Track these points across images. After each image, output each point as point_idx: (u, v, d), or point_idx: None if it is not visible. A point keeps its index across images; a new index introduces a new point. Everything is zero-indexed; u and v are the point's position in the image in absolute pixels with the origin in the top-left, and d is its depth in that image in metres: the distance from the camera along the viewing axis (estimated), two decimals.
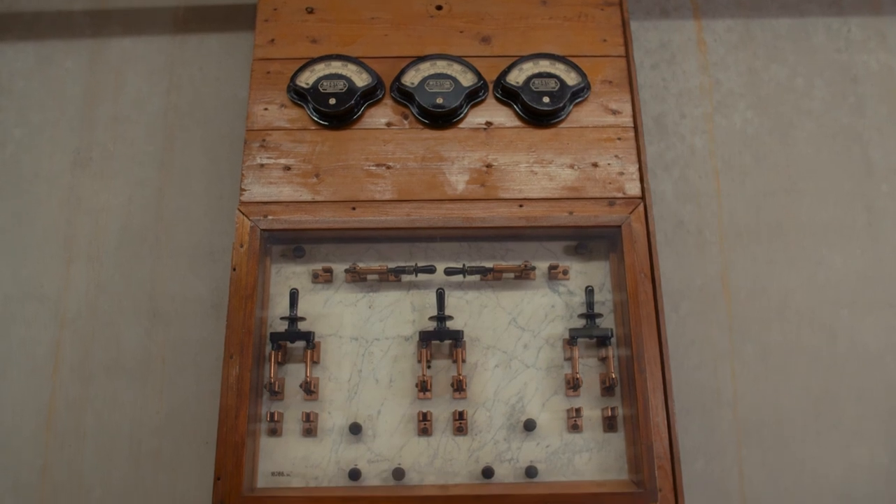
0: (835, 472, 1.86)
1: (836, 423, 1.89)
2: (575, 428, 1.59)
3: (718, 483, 1.84)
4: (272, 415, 1.59)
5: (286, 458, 1.58)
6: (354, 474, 1.55)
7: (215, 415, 1.56)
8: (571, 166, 1.74)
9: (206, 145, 2.06)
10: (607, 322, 1.66)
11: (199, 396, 1.88)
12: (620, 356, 1.62)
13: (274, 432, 1.59)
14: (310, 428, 1.59)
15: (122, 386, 1.91)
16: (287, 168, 1.73)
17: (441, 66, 1.76)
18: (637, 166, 1.75)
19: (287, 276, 1.70)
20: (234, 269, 1.64)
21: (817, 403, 1.90)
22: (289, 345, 1.64)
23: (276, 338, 1.61)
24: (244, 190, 1.72)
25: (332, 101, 1.72)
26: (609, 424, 1.60)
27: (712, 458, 1.86)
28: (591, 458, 1.58)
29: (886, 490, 1.85)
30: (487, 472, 1.55)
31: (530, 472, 1.55)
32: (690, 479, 1.77)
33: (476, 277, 1.68)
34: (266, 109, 1.78)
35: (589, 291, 1.65)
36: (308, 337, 1.61)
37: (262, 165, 1.74)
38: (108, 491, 1.86)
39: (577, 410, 1.59)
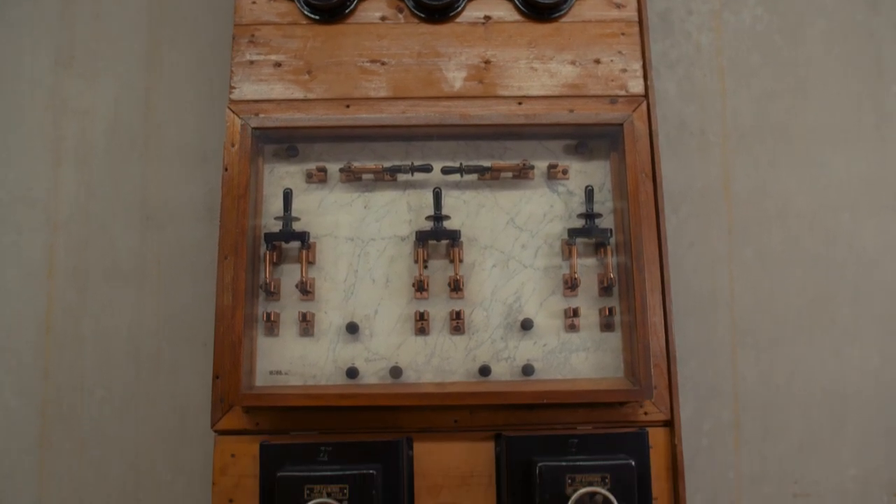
0: (826, 372, 1.89)
1: (831, 325, 1.90)
2: (572, 328, 1.59)
3: (712, 383, 1.87)
4: (268, 315, 1.58)
5: (284, 357, 1.58)
6: (352, 373, 1.56)
7: (212, 317, 1.55)
8: (573, 63, 1.68)
9: (193, 42, 1.98)
10: (606, 222, 1.63)
11: (195, 299, 1.88)
12: (619, 257, 1.61)
13: (271, 332, 1.59)
14: (307, 328, 1.59)
15: (119, 290, 1.91)
16: (278, 65, 1.67)
17: None
18: (641, 63, 1.69)
19: (280, 177, 1.66)
20: (226, 170, 1.60)
21: (813, 306, 1.91)
22: (284, 245, 1.62)
23: (271, 238, 1.59)
24: (234, 88, 1.66)
25: None
26: (606, 324, 1.60)
27: (707, 358, 1.88)
28: (587, 357, 1.59)
29: (875, 390, 1.89)
30: (484, 371, 1.56)
31: (527, 370, 1.56)
32: (685, 378, 1.79)
33: (473, 177, 1.65)
34: (254, 3, 1.70)
35: (589, 191, 1.62)
36: (303, 237, 1.59)
37: (251, 62, 1.67)
38: (109, 392, 1.88)
39: (575, 310, 1.59)
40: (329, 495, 1.40)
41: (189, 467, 1.83)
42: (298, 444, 1.49)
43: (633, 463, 1.44)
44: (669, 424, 1.56)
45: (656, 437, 1.55)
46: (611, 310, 1.59)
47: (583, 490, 1.40)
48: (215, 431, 1.56)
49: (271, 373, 1.58)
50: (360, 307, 1.60)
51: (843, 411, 1.88)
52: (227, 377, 1.52)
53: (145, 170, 1.95)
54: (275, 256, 1.60)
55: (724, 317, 1.90)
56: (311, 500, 1.39)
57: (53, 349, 1.89)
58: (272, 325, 1.59)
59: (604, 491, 1.40)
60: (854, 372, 1.89)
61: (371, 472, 1.42)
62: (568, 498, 1.40)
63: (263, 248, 1.60)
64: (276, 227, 1.62)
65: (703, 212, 1.94)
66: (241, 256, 1.53)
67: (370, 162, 1.65)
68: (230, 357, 1.51)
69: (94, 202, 1.94)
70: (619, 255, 1.61)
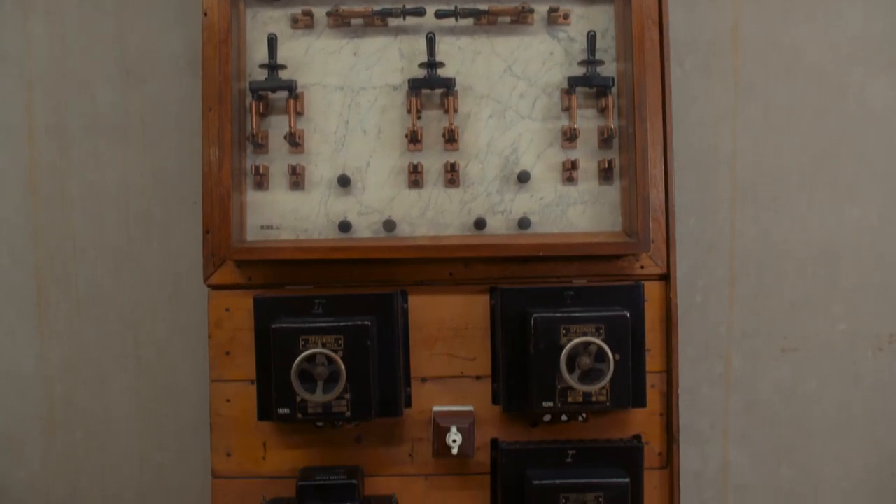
0: (824, 230, 1.87)
1: (833, 183, 1.87)
2: (570, 180, 1.55)
3: (710, 239, 1.86)
4: (257, 168, 1.53)
5: (274, 211, 1.55)
6: (345, 226, 1.53)
7: (201, 174, 1.51)
8: None
9: None
10: (609, 70, 1.55)
11: (182, 156, 1.83)
12: (621, 107, 1.54)
13: (260, 186, 1.55)
14: (297, 181, 1.54)
15: (104, 148, 1.85)
16: None
17: None
18: None
19: (264, 22, 1.56)
20: (206, 14, 1.51)
21: (816, 164, 1.86)
22: (270, 95, 1.54)
23: (256, 87, 1.51)
24: None
25: None
26: (605, 177, 1.56)
27: (706, 215, 1.85)
28: (585, 210, 1.55)
29: (871, 248, 1.88)
30: (479, 224, 1.53)
31: (523, 223, 1.54)
32: (683, 234, 1.77)
33: (469, 21, 1.55)
34: None
35: (591, 37, 1.53)
36: (290, 86, 1.51)
37: None
38: (101, 252, 1.86)
39: (573, 162, 1.54)
40: (324, 346, 1.41)
41: (186, 323, 1.84)
42: (292, 298, 1.49)
43: (628, 315, 1.44)
44: (665, 278, 1.56)
45: (652, 290, 1.55)
46: (610, 162, 1.54)
47: (577, 340, 1.41)
48: (208, 286, 1.55)
49: (262, 227, 1.55)
50: (351, 159, 1.54)
51: (837, 269, 1.87)
52: (217, 231, 1.50)
53: (120, 22, 1.83)
54: (261, 107, 1.53)
55: (725, 174, 1.86)
56: (306, 350, 1.40)
57: (41, 210, 1.86)
58: (261, 179, 1.54)
59: (597, 341, 1.41)
60: (852, 231, 1.87)
61: (366, 323, 1.42)
62: (562, 348, 1.41)
63: (249, 99, 1.52)
64: (262, 76, 1.53)
65: (710, 65, 1.85)
66: (225, 106, 1.47)
67: (359, 5, 1.54)
68: (219, 210, 1.47)
69: (70, 57, 1.84)
70: (620, 105, 1.54)
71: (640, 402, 1.49)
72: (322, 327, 1.41)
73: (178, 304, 1.85)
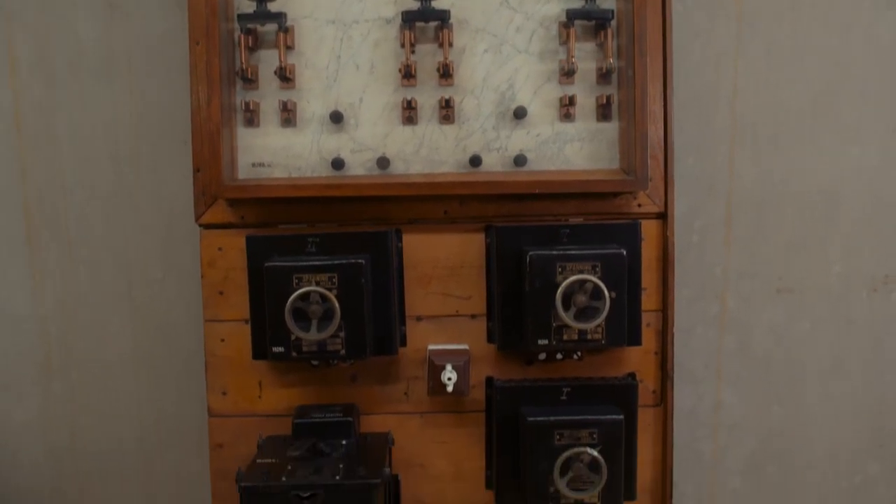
0: (824, 170, 1.85)
1: (834, 124, 1.84)
2: (567, 117, 1.52)
3: (708, 179, 1.83)
4: (247, 104, 1.50)
5: (266, 149, 1.52)
6: (338, 164, 1.50)
7: (189, 111, 1.48)
8: None
9: None
10: (608, 4, 1.50)
11: (171, 95, 1.79)
12: (620, 43, 1.50)
13: (251, 123, 1.51)
14: (288, 118, 1.51)
15: (90, 86, 1.80)
16: None
17: None
18: None
19: None
20: None
21: (817, 104, 1.83)
22: (259, 28, 1.49)
23: (245, 19, 1.46)
24: None
25: None
26: (603, 114, 1.52)
27: (704, 154, 1.83)
28: (582, 147, 1.53)
29: (870, 189, 1.86)
30: (475, 161, 1.51)
31: (519, 160, 1.51)
32: (680, 174, 1.74)
33: None
34: None
35: None
36: (280, 18, 1.46)
37: None
38: (91, 193, 1.84)
39: (571, 98, 1.50)
40: (318, 284, 1.40)
41: (179, 263, 1.83)
42: (285, 236, 1.47)
43: (625, 253, 1.43)
44: (663, 217, 1.54)
45: (649, 229, 1.53)
46: (608, 98, 1.51)
47: (573, 278, 1.40)
48: (200, 225, 1.53)
49: (254, 165, 1.52)
50: (343, 95, 1.51)
51: (835, 211, 1.86)
52: (207, 169, 1.47)
53: None
54: (250, 41, 1.48)
55: (726, 113, 1.83)
56: (299, 289, 1.39)
57: (28, 148, 1.82)
58: (252, 116, 1.51)
59: (594, 279, 1.40)
60: (851, 171, 1.85)
61: (360, 261, 1.41)
62: (558, 286, 1.40)
63: (237, 32, 1.48)
64: (250, 8, 1.48)
65: (712, 1, 1.80)
66: (213, 40, 1.42)
67: None
68: (209, 148, 1.44)
69: None
70: (619, 41, 1.50)
71: (635, 340, 1.49)
72: (316, 265, 1.40)
73: (171, 244, 1.83)
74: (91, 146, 1.81)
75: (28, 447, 1.91)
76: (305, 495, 1.29)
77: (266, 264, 1.41)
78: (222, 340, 1.54)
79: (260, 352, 1.46)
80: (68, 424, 1.91)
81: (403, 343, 1.52)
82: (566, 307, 1.39)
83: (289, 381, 1.55)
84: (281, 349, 1.41)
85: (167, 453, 1.91)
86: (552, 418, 1.43)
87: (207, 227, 1.53)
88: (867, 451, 1.94)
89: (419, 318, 1.53)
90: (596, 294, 1.40)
